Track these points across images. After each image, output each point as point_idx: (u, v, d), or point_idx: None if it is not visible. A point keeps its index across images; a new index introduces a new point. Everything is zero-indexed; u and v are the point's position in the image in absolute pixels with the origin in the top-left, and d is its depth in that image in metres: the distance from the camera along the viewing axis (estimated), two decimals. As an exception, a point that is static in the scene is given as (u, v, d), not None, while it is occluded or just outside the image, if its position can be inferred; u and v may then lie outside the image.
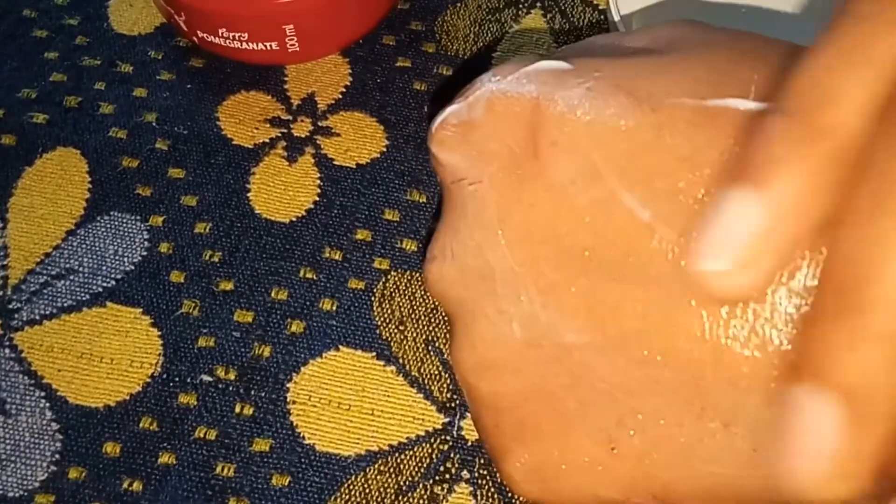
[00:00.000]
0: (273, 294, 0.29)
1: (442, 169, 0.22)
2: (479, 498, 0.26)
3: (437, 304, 0.29)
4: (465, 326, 0.21)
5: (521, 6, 0.35)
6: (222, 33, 0.31)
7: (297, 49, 0.32)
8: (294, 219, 0.30)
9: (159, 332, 0.28)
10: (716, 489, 0.20)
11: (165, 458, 0.27)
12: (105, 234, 0.30)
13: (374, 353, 0.28)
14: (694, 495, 0.20)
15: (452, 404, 0.28)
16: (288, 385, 0.28)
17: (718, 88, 0.19)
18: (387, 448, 0.27)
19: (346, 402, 0.27)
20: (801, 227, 0.17)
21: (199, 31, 0.32)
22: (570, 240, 0.20)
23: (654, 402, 0.19)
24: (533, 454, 0.21)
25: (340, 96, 0.33)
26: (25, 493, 0.26)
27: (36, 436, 0.27)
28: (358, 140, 0.32)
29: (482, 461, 0.27)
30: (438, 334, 0.28)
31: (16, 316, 0.28)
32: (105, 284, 0.29)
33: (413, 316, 0.29)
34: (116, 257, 0.29)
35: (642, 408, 0.19)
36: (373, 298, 0.29)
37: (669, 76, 0.20)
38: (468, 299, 0.21)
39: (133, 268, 0.29)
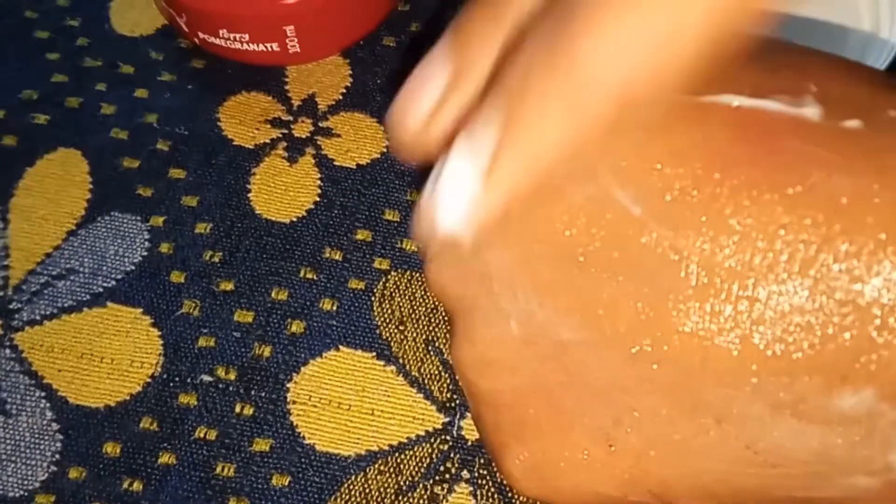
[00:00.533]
0: (273, 294, 0.29)
1: None
2: (479, 498, 0.26)
3: (437, 302, 0.29)
4: (465, 324, 0.21)
5: (521, 7, 0.35)
6: (223, 34, 0.31)
7: (298, 50, 0.32)
8: (294, 219, 0.30)
9: (160, 333, 0.28)
10: (712, 485, 0.20)
11: (166, 458, 0.27)
12: (106, 234, 0.30)
13: (374, 353, 0.28)
14: (691, 492, 0.20)
15: (452, 404, 0.28)
16: (288, 385, 0.28)
17: (713, 86, 0.19)
18: (387, 448, 0.27)
19: (346, 402, 0.27)
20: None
21: (200, 33, 0.32)
22: (566, 238, 0.20)
23: (649, 400, 0.19)
24: (532, 452, 0.21)
25: (341, 97, 0.33)
26: (26, 493, 0.26)
27: (36, 436, 0.27)
28: (358, 141, 0.32)
29: (482, 461, 0.27)
30: (438, 334, 0.28)
31: (16, 316, 0.29)
32: (106, 284, 0.29)
33: (413, 316, 0.29)
34: (117, 257, 0.30)
35: (638, 406, 0.19)
36: (373, 298, 0.29)
37: None
38: (467, 297, 0.21)
39: (133, 268, 0.29)
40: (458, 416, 0.27)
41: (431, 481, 0.26)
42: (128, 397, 0.27)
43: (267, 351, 0.28)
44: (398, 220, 0.30)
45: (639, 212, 0.19)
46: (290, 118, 0.32)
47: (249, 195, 0.31)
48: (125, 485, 0.26)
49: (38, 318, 0.29)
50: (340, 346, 0.28)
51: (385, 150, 0.32)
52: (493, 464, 0.26)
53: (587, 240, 0.19)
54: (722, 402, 0.19)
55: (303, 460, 0.27)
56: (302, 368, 0.28)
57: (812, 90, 0.19)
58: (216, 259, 0.30)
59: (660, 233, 0.19)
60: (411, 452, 0.27)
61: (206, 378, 0.28)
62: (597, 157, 0.20)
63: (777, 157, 0.19)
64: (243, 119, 0.32)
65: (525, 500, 0.26)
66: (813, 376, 0.18)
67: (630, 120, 0.18)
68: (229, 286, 0.29)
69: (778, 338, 0.18)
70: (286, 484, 0.26)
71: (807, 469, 0.19)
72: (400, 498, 0.26)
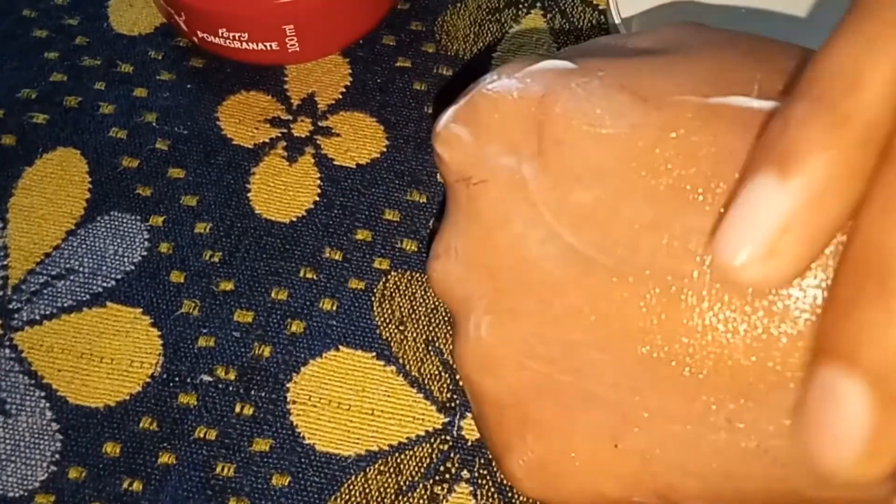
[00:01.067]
0: (273, 294, 0.29)
1: (446, 167, 0.22)
2: (479, 497, 0.26)
3: (439, 302, 0.29)
4: (469, 324, 0.21)
5: (520, 6, 0.35)
6: (222, 33, 0.31)
7: (298, 49, 0.32)
8: (294, 219, 0.30)
9: (159, 332, 0.28)
10: (719, 485, 0.20)
11: (165, 458, 0.27)
12: (105, 234, 0.30)
13: (374, 353, 0.28)
14: (698, 493, 0.20)
15: (452, 404, 0.28)
16: (288, 385, 0.28)
17: (721, 87, 0.19)
18: (387, 448, 0.27)
19: (346, 402, 0.28)
20: (829, 215, 0.16)
21: (199, 31, 0.32)
22: (576, 238, 0.20)
23: (658, 399, 0.19)
24: (536, 451, 0.21)
25: (340, 96, 0.33)
26: (25, 493, 0.26)
27: (36, 436, 0.27)
28: (358, 140, 0.32)
29: (482, 461, 0.27)
30: (438, 334, 0.29)
31: (16, 316, 0.28)
32: (105, 284, 0.29)
33: (413, 316, 0.29)
34: (116, 257, 0.30)
35: (647, 405, 0.19)
36: (373, 298, 0.29)
37: (672, 76, 0.20)
38: (473, 297, 0.21)
39: (133, 268, 0.29)
40: (458, 416, 0.27)
41: (431, 481, 0.27)
42: (127, 397, 0.27)
43: (267, 351, 0.28)
44: (398, 219, 0.30)
45: (651, 213, 0.19)
46: (290, 117, 0.32)
47: (249, 195, 0.31)
48: (125, 485, 0.26)
49: (37, 317, 0.28)
50: (340, 346, 0.28)
51: (385, 149, 0.32)
52: (495, 464, 0.26)
53: (598, 240, 0.19)
54: (734, 402, 0.19)
55: (303, 460, 0.27)
56: (302, 368, 0.28)
57: None
58: (216, 259, 0.30)
59: (672, 234, 0.19)
60: (411, 452, 0.27)
61: (206, 378, 0.28)
62: (606, 158, 0.20)
63: None
64: (242, 118, 0.32)
65: (526, 500, 0.26)
66: None
67: None
68: (229, 286, 0.29)
69: (790, 335, 0.18)
70: (286, 484, 0.26)
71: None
72: (400, 498, 0.26)
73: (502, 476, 0.26)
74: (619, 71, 0.20)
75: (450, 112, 0.22)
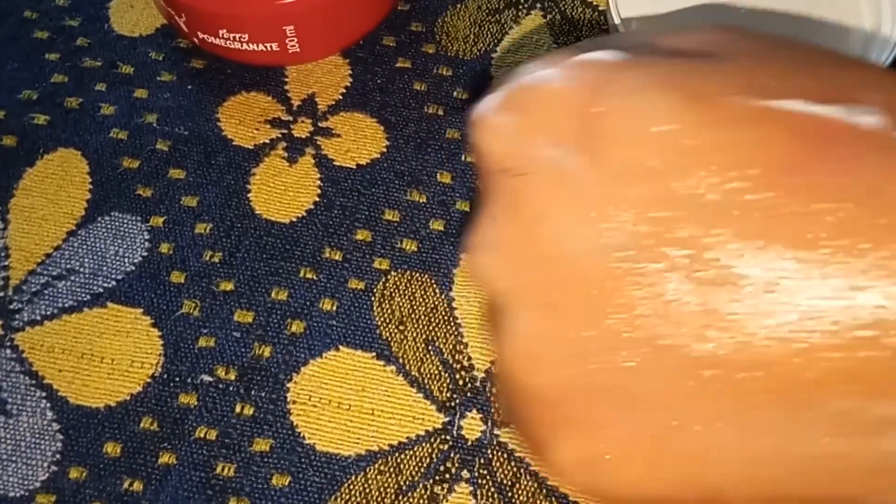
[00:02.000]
0: (273, 294, 0.29)
1: (483, 158, 0.22)
2: (479, 497, 0.26)
3: (438, 302, 0.29)
4: (513, 318, 0.21)
5: (520, 7, 0.35)
6: (223, 34, 0.31)
7: (298, 50, 0.32)
8: (294, 219, 0.30)
9: (160, 333, 0.28)
10: (767, 492, 0.20)
11: (166, 458, 0.27)
12: (106, 234, 0.30)
13: (374, 353, 0.28)
14: (745, 497, 0.20)
15: (452, 404, 0.28)
16: (288, 385, 0.28)
17: (773, 91, 0.19)
18: (387, 448, 0.27)
19: (346, 402, 0.28)
20: None
21: (199, 33, 0.32)
22: (617, 235, 0.19)
23: (705, 403, 0.19)
24: (583, 446, 0.20)
25: (341, 97, 0.33)
26: (26, 493, 0.26)
27: (37, 436, 0.27)
28: (358, 140, 0.32)
29: (482, 461, 0.27)
30: (438, 334, 0.29)
31: (17, 316, 0.29)
32: (106, 285, 0.29)
33: (413, 316, 0.29)
34: (117, 258, 0.30)
35: (693, 409, 0.19)
36: (373, 298, 0.29)
37: (720, 77, 0.20)
38: (517, 291, 0.21)
39: (134, 268, 0.29)
40: (457, 416, 0.27)
41: (431, 481, 0.27)
42: (128, 397, 0.27)
43: (267, 351, 0.28)
44: (398, 220, 0.30)
45: (698, 214, 0.19)
46: (290, 118, 0.32)
47: (249, 195, 0.31)
48: (125, 485, 0.26)
49: (38, 318, 0.29)
50: (340, 346, 0.28)
51: (385, 149, 0.32)
52: (535, 456, 0.26)
53: (638, 238, 0.19)
54: (781, 409, 0.19)
55: (303, 460, 0.27)
56: (302, 368, 0.28)
57: (871, 99, 0.19)
58: (216, 259, 0.30)
59: (715, 235, 0.18)
60: (411, 452, 0.27)
61: (207, 378, 0.28)
62: (650, 155, 0.19)
63: (836, 163, 0.18)
64: (243, 119, 0.32)
65: (525, 500, 0.26)
66: (871, 384, 0.18)
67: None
68: (229, 286, 0.29)
69: (836, 346, 0.18)
70: (286, 484, 0.26)
71: (865, 475, 0.19)
72: (400, 498, 0.26)
73: (505, 476, 0.27)
74: (668, 68, 0.20)
75: (489, 100, 0.21)
